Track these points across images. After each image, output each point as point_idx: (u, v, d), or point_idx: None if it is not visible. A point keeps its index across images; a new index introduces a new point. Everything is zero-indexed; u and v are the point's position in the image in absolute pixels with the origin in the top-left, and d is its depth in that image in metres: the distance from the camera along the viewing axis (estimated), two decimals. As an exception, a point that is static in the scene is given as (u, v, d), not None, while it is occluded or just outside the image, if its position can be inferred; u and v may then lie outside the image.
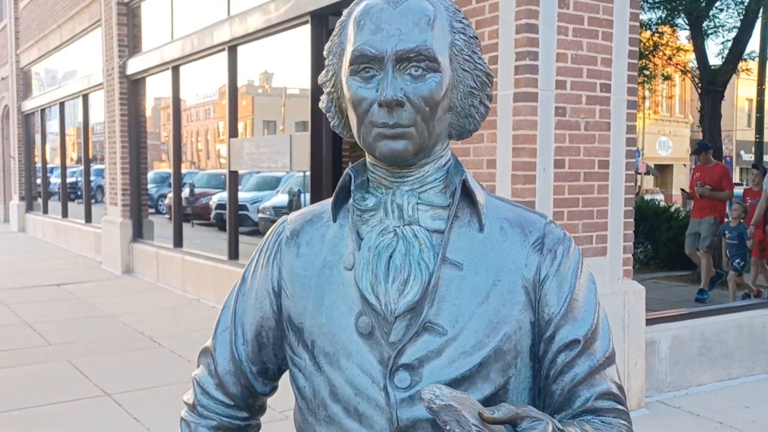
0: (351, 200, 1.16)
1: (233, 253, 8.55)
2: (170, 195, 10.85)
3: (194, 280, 9.05)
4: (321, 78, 1.21)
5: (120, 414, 4.87)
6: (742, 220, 8.08)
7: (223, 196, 9.76)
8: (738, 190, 10.02)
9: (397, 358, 1.08)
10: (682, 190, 10.39)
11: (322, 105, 1.22)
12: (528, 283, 1.12)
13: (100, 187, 14.13)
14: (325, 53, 1.19)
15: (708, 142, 8.93)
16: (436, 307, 1.08)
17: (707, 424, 4.73)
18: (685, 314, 5.89)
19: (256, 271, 1.24)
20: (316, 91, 6.74)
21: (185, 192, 10.72)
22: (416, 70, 1.07)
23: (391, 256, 1.10)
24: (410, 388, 1.07)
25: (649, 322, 5.13)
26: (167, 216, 11.45)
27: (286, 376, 1.28)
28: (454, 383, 1.06)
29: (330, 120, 1.22)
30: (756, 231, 7.98)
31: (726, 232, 8.02)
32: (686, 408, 5.01)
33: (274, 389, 1.29)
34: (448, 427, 0.84)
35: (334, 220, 1.18)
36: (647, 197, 14.37)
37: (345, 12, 1.17)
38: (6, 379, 5.65)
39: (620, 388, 1.13)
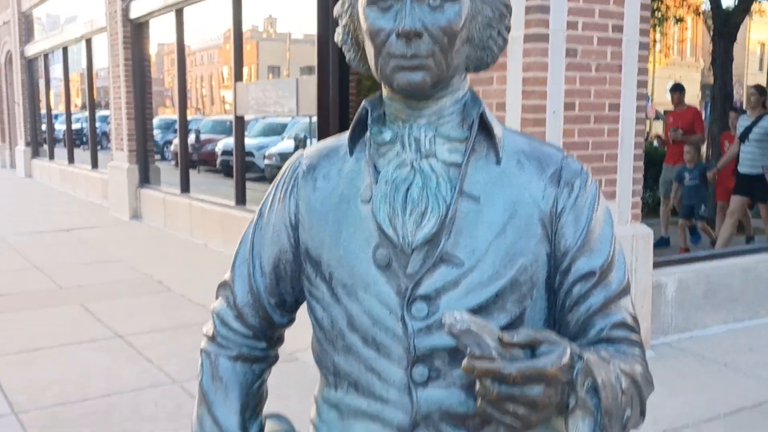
0: (368, 134, 1.16)
1: (240, 199, 8.56)
2: (176, 141, 10.83)
3: (202, 226, 9.10)
4: (337, 10, 1.19)
5: (133, 355, 4.96)
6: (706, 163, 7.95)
7: (228, 142, 9.75)
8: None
9: (414, 289, 1.09)
10: (658, 136, 10.17)
11: (337, 38, 1.21)
12: (545, 216, 1.12)
13: (105, 134, 14.11)
14: (341, -16, 1.18)
15: (681, 84, 8.80)
16: (453, 239, 1.09)
17: (712, 366, 4.79)
18: (692, 258, 5.92)
19: (273, 205, 1.24)
20: (323, 34, 6.65)
21: (191, 138, 10.69)
22: (435, 0, 1.06)
23: (408, 189, 1.10)
24: (427, 318, 1.09)
25: (656, 265, 5.15)
26: (173, 162, 11.45)
27: (300, 312, 1.30)
28: (471, 313, 1.07)
29: (345, 53, 1.21)
30: (722, 175, 7.85)
31: (686, 174, 7.80)
32: (691, 350, 5.08)
33: (291, 321, 1.31)
34: (468, 350, 0.85)
35: (351, 154, 1.18)
36: (656, 143, 14.23)
37: (362, -58, 1.15)
38: (19, 322, 5.75)
39: (634, 318, 1.14)
